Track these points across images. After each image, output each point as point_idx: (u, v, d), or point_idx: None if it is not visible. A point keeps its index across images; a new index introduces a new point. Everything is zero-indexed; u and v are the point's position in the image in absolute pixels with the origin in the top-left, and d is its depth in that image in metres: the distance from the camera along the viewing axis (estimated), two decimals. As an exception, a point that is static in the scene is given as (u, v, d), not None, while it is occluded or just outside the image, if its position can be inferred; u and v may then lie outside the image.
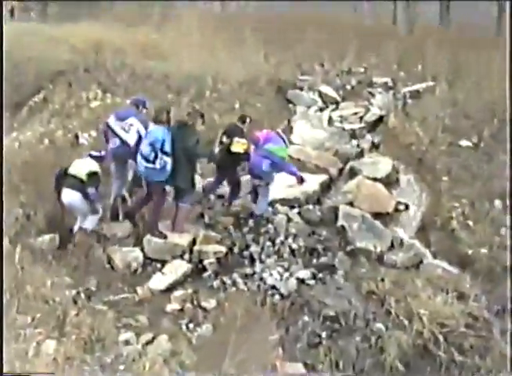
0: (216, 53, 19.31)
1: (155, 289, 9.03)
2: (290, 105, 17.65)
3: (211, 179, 11.81)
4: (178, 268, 9.41)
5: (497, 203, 11.26)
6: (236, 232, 10.60)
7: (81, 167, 9.96)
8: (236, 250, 10.03)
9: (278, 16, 32.10)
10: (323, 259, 9.89)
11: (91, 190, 9.80)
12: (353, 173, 12.67)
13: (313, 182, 12.07)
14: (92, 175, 9.88)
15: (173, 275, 9.26)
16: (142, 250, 9.77)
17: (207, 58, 18.45)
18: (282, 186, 11.61)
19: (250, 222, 10.90)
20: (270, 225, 10.69)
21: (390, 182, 12.34)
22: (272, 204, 11.34)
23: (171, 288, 9.07)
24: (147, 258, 9.70)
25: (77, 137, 13.37)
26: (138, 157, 9.74)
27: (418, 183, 12.55)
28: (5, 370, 6.47)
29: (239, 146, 10.70)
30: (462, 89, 16.67)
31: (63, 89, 16.41)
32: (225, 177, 11.44)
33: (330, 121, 15.42)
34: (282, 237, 10.34)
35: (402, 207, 11.58)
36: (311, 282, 9.28)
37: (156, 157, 9.52)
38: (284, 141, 11.03)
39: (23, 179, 10.72)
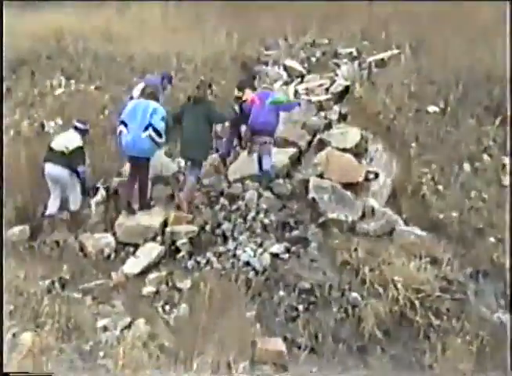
0: (178, 33, 19.08)
1: (129, 273, 9.01)
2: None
3: (223, 139, 12.39)
4: (152, 250, 9.38)
5: (466, 166, 11.34)
6: (208, 211, 10.51)
7: (65, 142, 9.89)
8: (208, 228, 9.95)
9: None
10: (296, 233, 9.88)
11: (80, 168, 9.91)
12: (322, 145, 12.56)
13: (282, 156, 11.99)
14: (77, 150, 9.89)
15: (146, 258, 9.23)
16: (114, 235, 9.69)
17: (169, 38, 18.21)
18: (251, 161, 11.57)
19: (222, 199, 10.80)
20: (241, 202, 10.59)
21: (359, 152, 12.24)
22: (241, 180, 11.30)
23: (145, 271, 9.07)
24: (119, 243, 9.63)
25: (42, 126, 13.17)
26: (140, 131, 9.75)
27: (387, 152, 12.50)
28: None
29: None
30: (426, 56, 16.65)
31: (26, 78, 16.14)
32: (236, 134, 12.30)
33: (296, 94, 15.24)
34: (253, 213, 10.25)
35: (371, 176, 11.53)
36: (285, 256, 9.29)
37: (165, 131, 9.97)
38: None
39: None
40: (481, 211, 10.23)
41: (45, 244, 9.62)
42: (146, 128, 9.75)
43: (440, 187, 10.82)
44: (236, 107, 11.76)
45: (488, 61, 13.44)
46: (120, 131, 9.94)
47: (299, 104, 12.76)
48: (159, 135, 9.87)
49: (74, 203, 10.16)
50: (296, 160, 12.32)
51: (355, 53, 19.15)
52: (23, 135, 12.82)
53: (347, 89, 15.36)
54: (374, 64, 17.08)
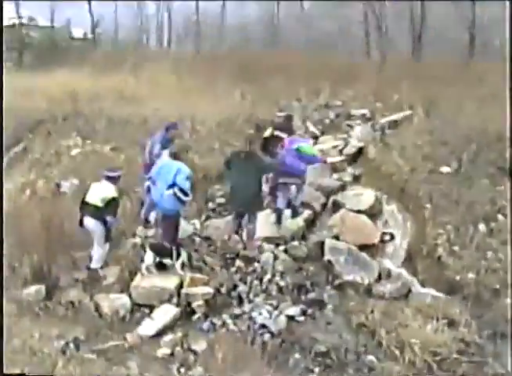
0: (192, 95, 19.45)
1: (144, 335, 8.96)
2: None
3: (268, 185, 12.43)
4: (167, 312, 9.35)
5: (481, 227, 11.33)
6: (223, 272, 10.57)
7: (97, 193, 10.07)
8: (223, 290, 9.97)
9: (252, 55, 32.40)
10: (312, 295, 9.91)
11: (110, 219, 10.01)
12: (337, 206, 12.71)
13: (298, 219, 12.15)
14: (111, 201, 10.06)
15: (162, 320, 9.19)
16: (130, 296, 9.72)
17: (183, 100, 18.56)
18: (267, 224, 11.70)
19: (238, 261, 10.89)
20: (257, 264, 10.69)
21: (374, 213, 12.38)
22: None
23: (160, 333, 8.99)
24: (135, 304, 9.64)
25: (58, 185, 13.37)
26: (164, 189, 10.33)
27: (402, 213, 12.60)
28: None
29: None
30: (438, 117, 16.87)
31: (42, 138, 16.48)
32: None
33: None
34: (269, 275, 10.33)
35: (387, 237, 11.61)
36: (301, 318, 9.27)
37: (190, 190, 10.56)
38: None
39: (6, 230, 10.69)
40: (497, 272, 10.19)
41: (61, 304, 9.64)
42: (170, 187, 10.25)
43: (455, 248, 10.80)
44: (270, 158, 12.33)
45: (499, 121, 13.60)
46: (148, 187, 10.84)
47: (324, 161, 13.51)
48: (184, 193, 10.35)
49: (97, 260, 10.26)
50: (311, 223, 12.46)
51: (368, 115, 19.45)
52: (39, 195, 13.00)
53: (360, 151, 15.55)
54: (387, 125, 17.31)
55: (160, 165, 10.80)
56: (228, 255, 11.14)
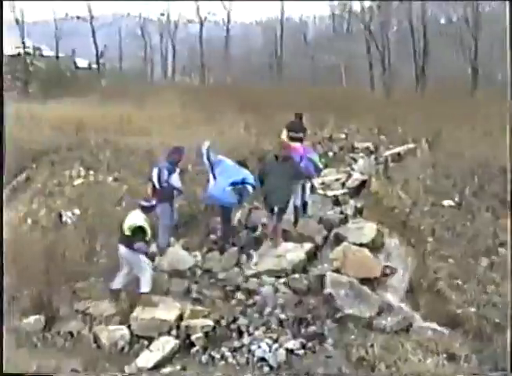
0: (196, 126, 19.60)
1: (143, 367, 8.95)
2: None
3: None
4: (166, 344, 9.34)
5: (483, 260, 11.34)
6: (224, 305, 10.60)
7: (128, 222, 10.28)
8: (223, 323, 9.98)
9: (256, 87, 32.71)
10: (312, 328, 9.87)
11: (136, 245, 10.09)
12: (338, 240, 12.74)
13: (299, 251, 12.20)
14: (136, 229, 10.17)
15: (160, 352, 9.18)
16: (129, 327, 9.75)
17: (187, 131, 18.69)
18: (268, 256, 11.77)
19: (238, 294, 10.95)
20: (257, 297, 10.74)
21: (375, 246, 12.41)
22: (257, 275, 11.52)
23: (159, 365, 8.99)
24: (134, 336, 9.66)
25: (60, 216, 13.45)
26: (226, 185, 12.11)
27: (403, 246, 12.63)
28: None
29: None
30: (441, 150, 16.97)
31: (45, 168, 16.56)
32: None
33: (313, 188, 15.55)
34: (269, 308, 10.36)
35: (388, 271, 11.61)
36: (301, 352, 9.25)
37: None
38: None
39: (7, 260, 10.75)
40: (498, 306, 10.19)
41: (59, 334, 9.66)
42: (233, 184, 12.15)
43: (457, 282, 10.80)
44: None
45: (502, 154, 13.68)
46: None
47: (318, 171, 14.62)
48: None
49: (145, 284, 10.36)
50: (312, 255, 12.47)
51: (371, 147, 19.53)
52: (41, 225, 13.07)
53: (363, 184, 15.60)
54: (390, 158, 17.39)
55: (226, 166, 12.50)
56: (228, 288, 11.18)
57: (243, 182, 12.13)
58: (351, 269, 11.32)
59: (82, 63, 46.09)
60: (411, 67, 37.02)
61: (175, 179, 12.34)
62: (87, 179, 15.64)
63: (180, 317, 9.94)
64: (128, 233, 10.19)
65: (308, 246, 12.52)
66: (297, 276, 11.43)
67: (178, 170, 12.56)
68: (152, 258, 10.83)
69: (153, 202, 10.79)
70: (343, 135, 21.76)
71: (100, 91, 30.61)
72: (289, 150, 13.40)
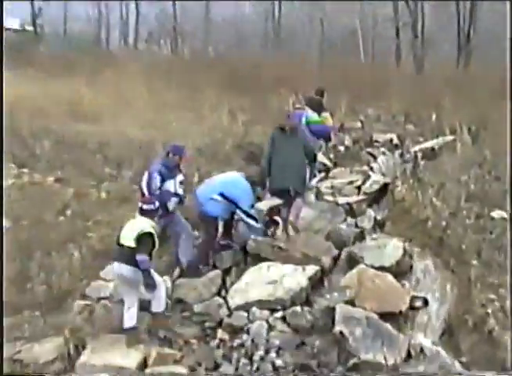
0: (167, 112, 19.53)
1: None
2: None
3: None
4: (123, 400, 9.34)
5: (544, 290, 11.34)
6: (202, 347, 10.54)
7: (128, 231, 10.49)
8: (201, 371, 9.93)
9: (245, 61, 32.61)
10: (318, 379, 9.85)
11: (139, 257, 10.25)
12: (352, 261, 12.65)
13: (300, 277, 12.05)
14: (142, 237, 10.32)
15: (117, 409, 9.18)
16: (77, 377, 9.71)
17: (155, 118, 18.62)
18: (259, 283, 11.68)
19: (220, 332, 10.86)
20: (246, 336, 10.62)
21: (401, 271, 12.30)
22: (245, 307, 11.37)
23: None
24: (84, 389, 9.62)
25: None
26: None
27: (439, 271, 12.57)
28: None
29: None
30: (489, 144, 16.94)
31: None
32: None
33: (319, 194, 15.52)
34: (262, 352, 10.26)
35: (419, 303, 11.53)
36: (304, 410, 9.25)
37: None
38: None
39: None
40: None
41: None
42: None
43: None
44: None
45: None
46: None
47: (338, 130, 15.98)
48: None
49: (159, 303, 10.69)
50: (318, 282, 12.33)
51: (395, 140, 19.51)
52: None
53: (385, 188, 15.57)
54: (421, 155, 17.31)
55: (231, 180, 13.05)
56: (207, 324, 11.11)
57: (236, 205, 12.81)
58: (369, 300, 11.24)
59: (12, 22, 45.58)
60: (452, 34, 36.95)
61: (171, 186, 12.42)
62: (19, 180, 15.55)
63: (143, 363, 9.89)
64: (129, 243, 10.38)
65: (312, 269, 12.34)
66: (297, 309, 11.27)
67: (180, 175, 12.76)
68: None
69: (156, 205, 11.04)
70: (358, 124, 21.76)
71: (38, 62, 30.35)
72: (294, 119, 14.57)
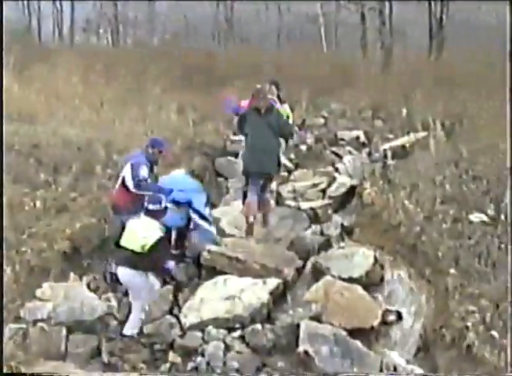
0: (106, 109, 19.45)
1: None
2: (220, 178, 17.90)
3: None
4: None
5: (529, 300, 11.42)
6: (151, 372, 10.52)
7: (133, 234, 10.65)
8: (151, 399, 9.94)
9: (196, 53, 32.60)
10: (282, 404, 9.89)
11: (170, 265, 10.87)
12: (318, 273, 12.70)
13: (260, 291, 12.08)
14: (158, 242, 10.57)
15: None
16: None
17: (93, 117, 18.55)
18: (215, 299, 11.68)
19: (171, 355, 10.83)
20: (200, 359, 10.61)
21: (372, 282, 12.38)
22: (199, 326, 11.38)
23: None
24: None
25: None
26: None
27: (413, 281, 12.63)
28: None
29: None
30: (466, 140, 17.05)
31: None
32: None
33: (279, 198, 15.55)
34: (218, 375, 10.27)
35: (392, 317, 11.60)
36: None
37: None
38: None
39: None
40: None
41: None
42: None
43: (493, 333, 10.80)
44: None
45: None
46: None
47: (299, 128, 16.29)
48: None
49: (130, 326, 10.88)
50: (280, 297, 12.37)
51: (362, 138, 19.59)
52: None
53: (352, 191, 15.64)
54: (391, 154, 17.40)
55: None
56: (157, 346, 11.11)
57: (190, 205, 13.27)
58: (337, 315, 11.29)
59: None
60: (423, 21, 37.16)
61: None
62: None
63: (86, 391, 9.87)
64: (135, 248, 10.53)
65: (273, 283, 12.38)
66: (258, 327, 11.29)
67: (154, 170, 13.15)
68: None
69: (163, 204, 11.16)
70: (321, 120, 21.81)
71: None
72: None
